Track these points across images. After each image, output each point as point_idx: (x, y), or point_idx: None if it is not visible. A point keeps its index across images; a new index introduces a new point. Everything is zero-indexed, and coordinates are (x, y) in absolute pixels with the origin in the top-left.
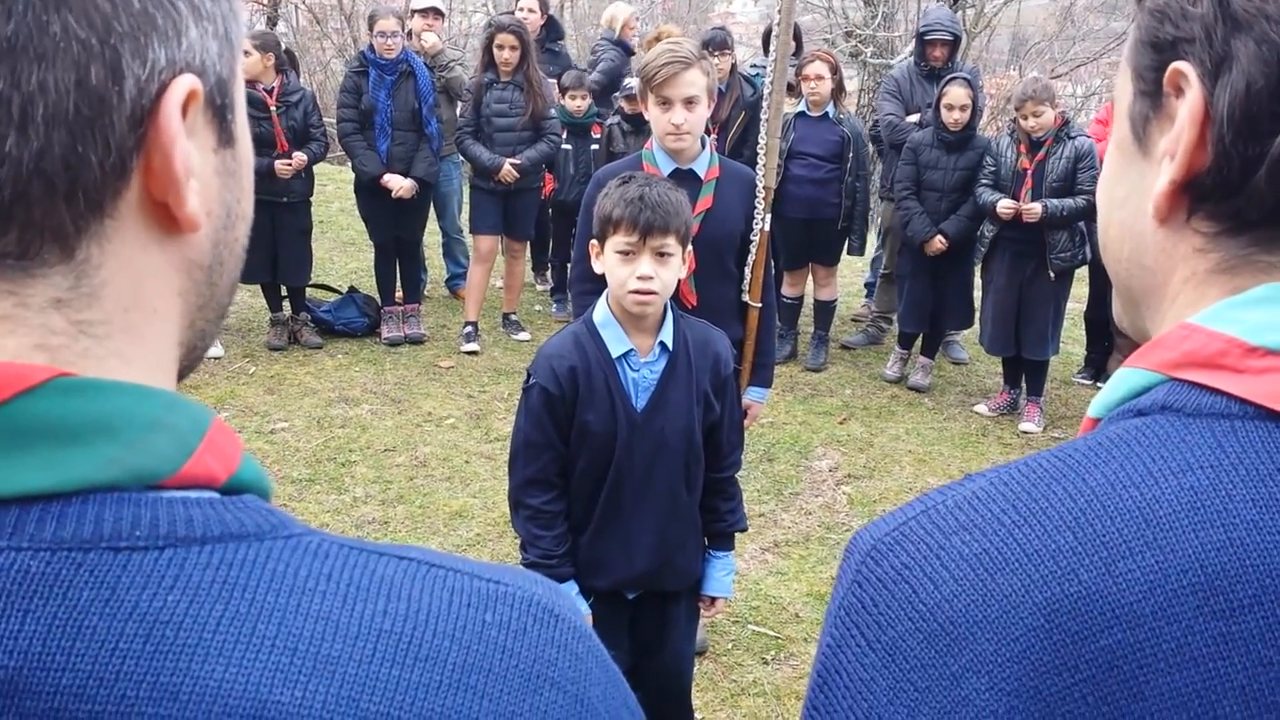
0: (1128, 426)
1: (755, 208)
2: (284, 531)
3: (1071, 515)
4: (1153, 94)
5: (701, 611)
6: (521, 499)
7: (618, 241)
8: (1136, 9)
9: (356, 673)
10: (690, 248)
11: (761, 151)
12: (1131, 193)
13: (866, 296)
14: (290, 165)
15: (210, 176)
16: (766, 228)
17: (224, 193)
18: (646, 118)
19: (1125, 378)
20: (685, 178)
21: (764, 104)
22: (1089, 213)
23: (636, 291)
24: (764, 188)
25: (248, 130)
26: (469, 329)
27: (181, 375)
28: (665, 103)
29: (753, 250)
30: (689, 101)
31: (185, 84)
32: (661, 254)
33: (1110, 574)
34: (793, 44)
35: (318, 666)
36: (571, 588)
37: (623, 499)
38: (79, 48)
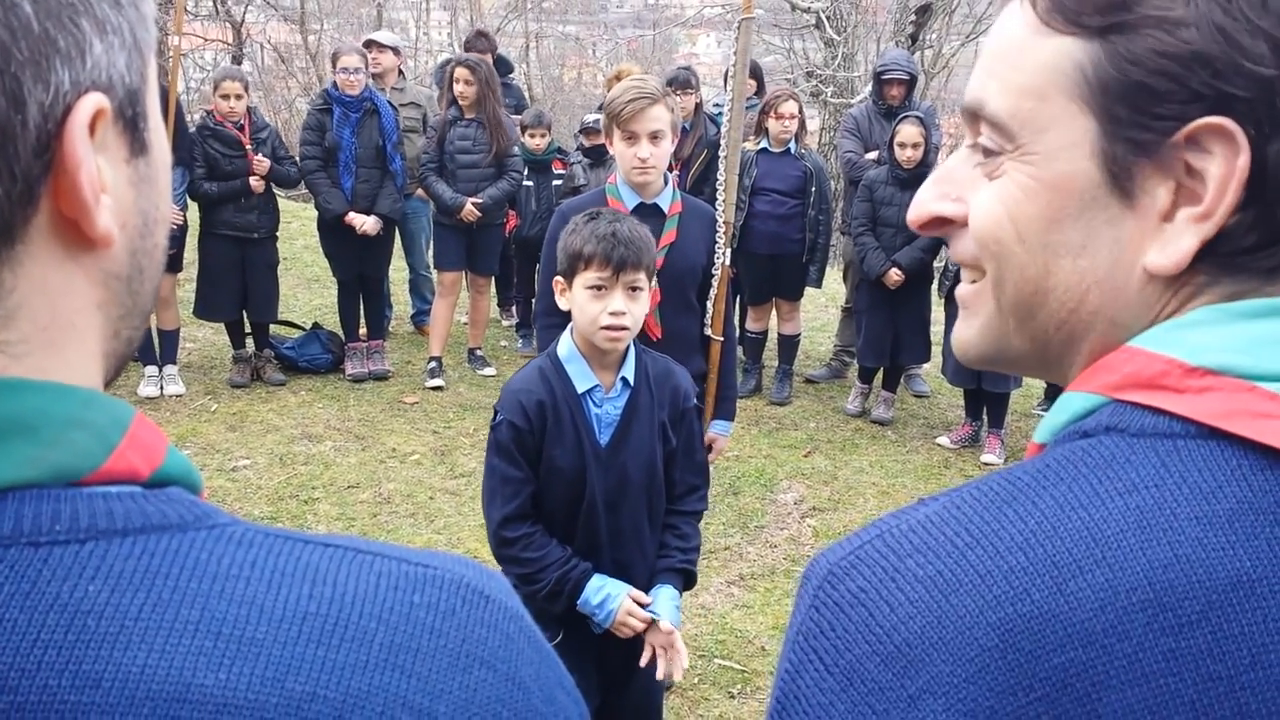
0: (1074, 449)
1: (716, 242)
2: (208, 522)
3: (1022, 536)
4: (1143, 141)
5: (654, 646)
6: (506, 535)
7: (589, 277)
8: (1096, 39)
9: (281, 654)
10: (655, 282)
11: (721, 188)
12: (1095, 242)
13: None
14: (261, 181)
15: (124, 188)
16: (727, 262)
17: (139, 201)
18: (611, 153)
19: (1069, 401)
20: (649, 212)
21: (722, 142)
22: None
23: (609, 328)
24: (724, 222)
25: (162, 134)
26: (433, 364)
27: (108, 382)
28: (631, 137)
29: (714, 285)
30: (654, 136)
31: (91, 103)
32: (633, 289)
33: (1061, 593)
34: (753, 83)
35: (242, 649)
36: (603, 580)
37: (593, 534)
38: None
